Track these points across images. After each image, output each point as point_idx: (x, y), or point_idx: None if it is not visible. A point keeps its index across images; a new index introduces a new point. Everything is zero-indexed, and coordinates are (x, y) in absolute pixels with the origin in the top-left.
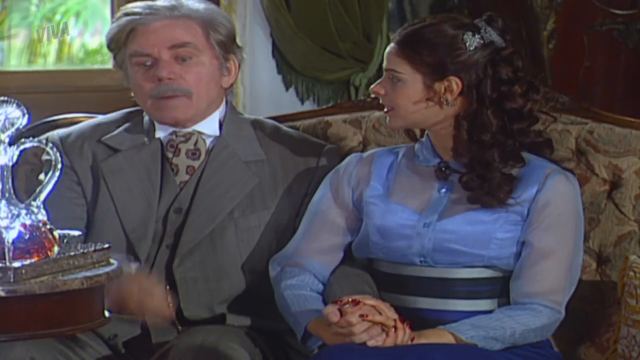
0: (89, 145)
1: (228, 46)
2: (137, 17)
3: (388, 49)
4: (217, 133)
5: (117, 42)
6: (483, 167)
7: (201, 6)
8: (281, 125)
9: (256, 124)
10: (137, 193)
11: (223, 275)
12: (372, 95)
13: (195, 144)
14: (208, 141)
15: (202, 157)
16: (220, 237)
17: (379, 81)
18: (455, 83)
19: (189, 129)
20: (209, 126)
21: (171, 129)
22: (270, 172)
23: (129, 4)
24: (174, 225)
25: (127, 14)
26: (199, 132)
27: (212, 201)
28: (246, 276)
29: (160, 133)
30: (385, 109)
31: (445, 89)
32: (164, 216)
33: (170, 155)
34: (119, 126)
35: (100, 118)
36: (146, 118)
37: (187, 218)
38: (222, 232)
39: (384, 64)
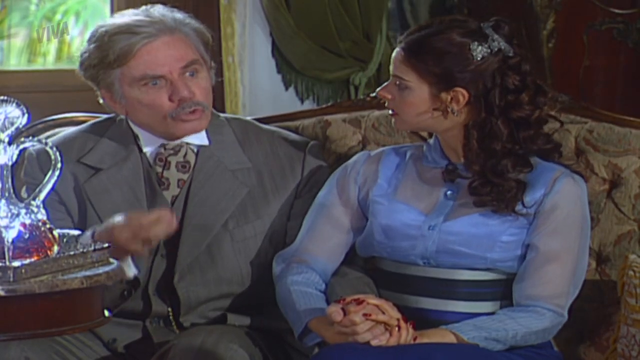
0: (67, 166)
1: (209, 54)
2: (132, 36)
3: (394, 53)
4: (206, 142)
5: (108, 63)
6: (495, 176)
7: (180, 16)
8: (259, 124)
9: (234, 125)
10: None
11: (224, 287)
12: (372, 95)
13: (185, 156)
14: (195, 151)
15: (191, 169)
16: (218, 249)
17: (385, 84)
18: (462, 94)
19: (178, 141)
20: (198, 136)
21: (159, 142)
22: (258, 180)
23: (107, 20)
24: (167, 237)
25: (118, 33)
26: (187, 143)
27: (205, 214)
28: (246, 285)
29: (147, 146)
30: (391, 112)
31: (451, 99)
32: None
33: (159, 169)
34: (95, 142)
35: (69, 132)
36: (123, 130)
37: (182, 232)
38: (219, 244)
39: (391, 69)
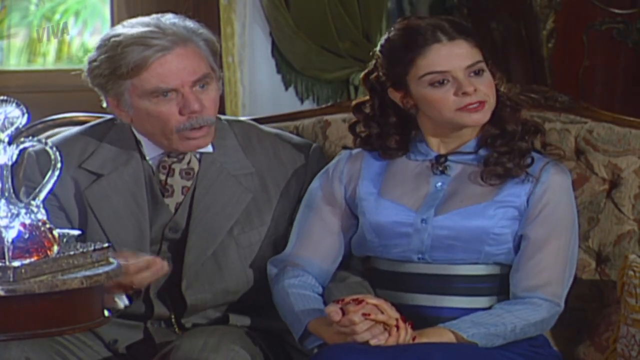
0: (68, 171)
1: (218, 63)
2: (146, 48)
3: (454, 48)
4: (209, 149)
5: (120, 74)
6: (527, 134)
7: (192, 25)
8: (261, 127)
9: (235, 128)
10: (126, 219)
11: (230, 293)
12: None
13: (189, 163)
14: (199, 158)
15: (195, 175)
16: (224, 256)
17: (465, 81)
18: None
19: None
20: None
21: (162, 150)
22: (261, 185)
23: (118, 29)
24: (170, 241)
25: (131, 44)
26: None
27: (210, 221)
28: (253, 288)
29: (150, 153)
30: (474, 106)
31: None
32: (160, 234)
33: (163, 176)
34: (96, 146)
35: (69, 134)
36: (124, 135)
37: (188, 239)
38: (225, 251)
39: (454, 65)
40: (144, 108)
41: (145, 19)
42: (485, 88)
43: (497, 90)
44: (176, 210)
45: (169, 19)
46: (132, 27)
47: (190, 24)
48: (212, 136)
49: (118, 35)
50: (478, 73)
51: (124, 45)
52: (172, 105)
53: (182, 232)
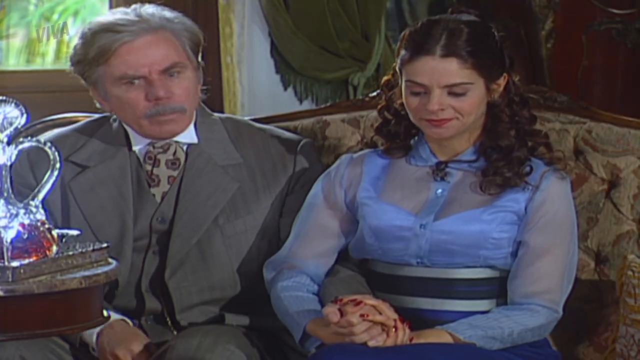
0: None
1: (198, 53)
2: (113, 34)
3: (442, 64)
4: (195, 140)
5: (90, 60)
6: (521, 145)
7: (170, 14)
8: (252, 122)
9: (228, 124)
10: (110, 211)
11: (216, 283)
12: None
13: (174, 153)
14: (185, 149)
15: (182, 166)
16: (208, 246)
17: (434, 99)
18: (504, 78)
19: (167, 139)
20: (186, 134)
21: (148, 140)
22: (249, 175)
23: (96, 18)
24: (159, 233)
25: (100, 31)
26: (176, 142)
27: (195, 210)
28: (239, 281)
29: (138, 144)
30: (435, 122)
31: (499, 86)
32: (148, 226)
33: (149, 167)
34: (86, 140)
35: (62, 130)
36: (115, 129)
37: (173, 228)
38: (210, 240)
39: (434, 80)
40: (116, 95)
41: (126, 9)
42: (461, 107)
43: (495, 107)
44: (162, 199)
45: (147, 8)
46: (110, 15)
47: (168, 13)
48: (185, 123)
49: (93, 23)
50: (463, 94)
51: (94, 32)
52: (139, 92)
53: (169, 223)
